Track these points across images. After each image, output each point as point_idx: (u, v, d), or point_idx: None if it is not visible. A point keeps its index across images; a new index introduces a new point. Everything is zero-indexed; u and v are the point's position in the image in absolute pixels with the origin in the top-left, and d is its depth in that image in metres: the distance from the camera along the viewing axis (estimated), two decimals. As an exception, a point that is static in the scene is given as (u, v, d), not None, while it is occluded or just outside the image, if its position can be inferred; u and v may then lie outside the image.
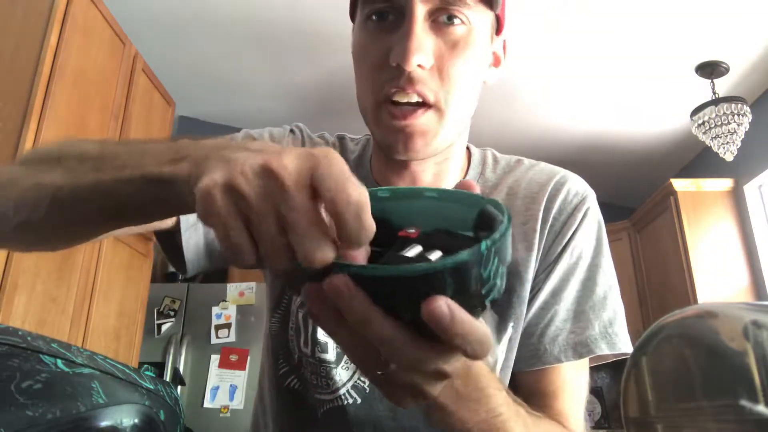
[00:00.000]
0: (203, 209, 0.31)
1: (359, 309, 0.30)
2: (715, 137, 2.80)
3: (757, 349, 0.20)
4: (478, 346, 0.31)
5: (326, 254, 0.30)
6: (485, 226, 0.36)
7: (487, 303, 0.32)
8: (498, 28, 0.64)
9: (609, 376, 3.97)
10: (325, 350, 0.66)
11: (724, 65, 2.82)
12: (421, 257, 0.34)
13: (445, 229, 0.38)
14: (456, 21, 0.57)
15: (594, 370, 4.04)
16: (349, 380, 0.66)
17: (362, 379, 0.66)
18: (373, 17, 0.58)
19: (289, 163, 0.31)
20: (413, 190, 0.40)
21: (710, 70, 2.84)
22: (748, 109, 2.78)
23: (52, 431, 0.26)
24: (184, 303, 3.11)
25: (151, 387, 0.33)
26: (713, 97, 2.85)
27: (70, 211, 0.43)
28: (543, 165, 0.73)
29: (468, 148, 0.74)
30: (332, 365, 0.66)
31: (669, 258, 3.27)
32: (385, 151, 0.62)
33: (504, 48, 0.68)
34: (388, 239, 0.37)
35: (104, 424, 0.28)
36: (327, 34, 2.83)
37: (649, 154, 3.74)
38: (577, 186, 0.70)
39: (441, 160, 0.66)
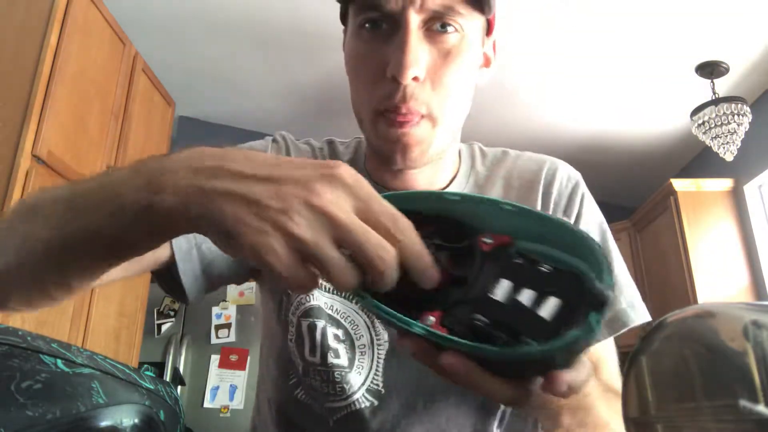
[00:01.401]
0: (262, 261, 0.33)
1: (476, 382, 0.33)
2: (715, 137, 2.80)
3: (757, 349, 0.20)
4: (579, 390, 0.34)
5: (391, 260, 0.34)
6: (561, 246, 0.37)
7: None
8: (488, 30, 0.65)
9: (609, 376, 3.97)
10: (338, 355, 0.65)
11: (724, 65, 2.82)
12: (513, 301, 0.35)
13: (525, 255, 0.38)
14: (449, 29, 0.57)
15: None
16: (362, 384, 0.65)
17: (375, 381, 0.65)
18: (367, 26, 0.58)
19: (329, 195, 0.34)
20: (487, 198, 0.41)
21: (710, 70, 2.84)
22: (748, 109, 2.78)
23: (52, 431, 0.26)
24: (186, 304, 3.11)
25: (151, 387, 0.33)
26: (713, 97, 2.85)
27: (65, 261, 0.43)
28: (529, 154, 0.76)
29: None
30: (346, 370, 0.65)
31: (669, 258, 3.27)
32: (383, 160, 0.63)
33: (494, 48, 0.68)
34: (459, 239, 0.39)
35: (104, 424, 0.28)
36: (327, 34, 2.83)
37: (649, 154, 3.74)
38: (568, 170, 0.74)
39: (436, 162, 0.67)
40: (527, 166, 0.73)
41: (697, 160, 3.72)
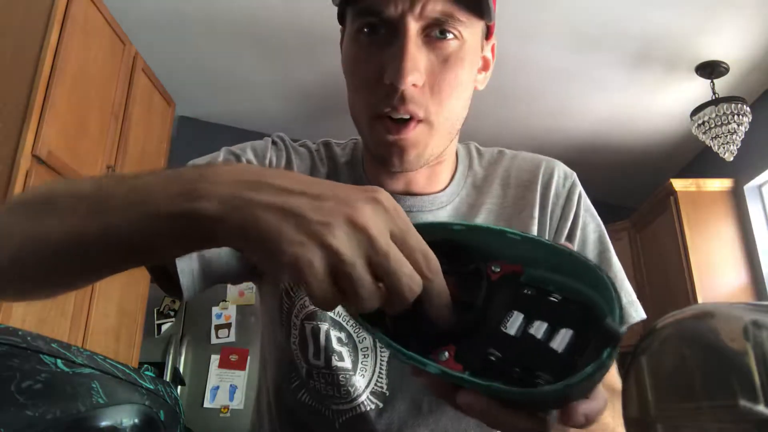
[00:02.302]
0: (299, 273, 0.32)
1: (495, 418, 0.33)
2: (715, 137, 2.80)
3: (757, 349, 0.20)
4: (596, 419, 0.34)
5: (416, 294, 0.34)
6: (569, 274, 0.37)
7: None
8: (488, 34, 0.65)
9: (609, 376, 3.97)
10: (342, 358, 0.65)
11: (724, 65, 2.82)
12: (525, 334, 0.35)
13: (534, 285, 0.38)
14: (449, 36, 0.57)
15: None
16: (367, 387, 0.65)
17: (380, 384, 0.65)
18: (365, 30, 0.58)
19: (371, 216, 0.34)
20: (492, 228, 0.41)
21: (710, 70, 2.83)
22: (748, 109, 2.78)
23: (52, 431, 0.26)
24: (184, 303, 3.11)
25: (151, 387, 0.33)
26: (713, 97, 2.85)
27: (76, 260, 0.41)
28: (524, 153, 0.77)
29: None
30: (350, 373, 0.64)
31: (669, 258, 3.27)
32: (379, 162, 0.64)
33: (493, 51, 0.69)
34: (466, 263, 0.40)
35: (104, 424, 0.28)
36: (327, 34, 2.83)
37: (649, 154, 3.74)
38: (564, 169, 0.75)
39: (434, 164, 0.67)
40: (524, 166, 0.74)
41: (697, 160, 3.72)
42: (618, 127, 3.48)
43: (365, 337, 0.66)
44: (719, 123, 2.76)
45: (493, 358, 0.34)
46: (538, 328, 0.35)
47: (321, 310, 0.65)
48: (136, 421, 0.30)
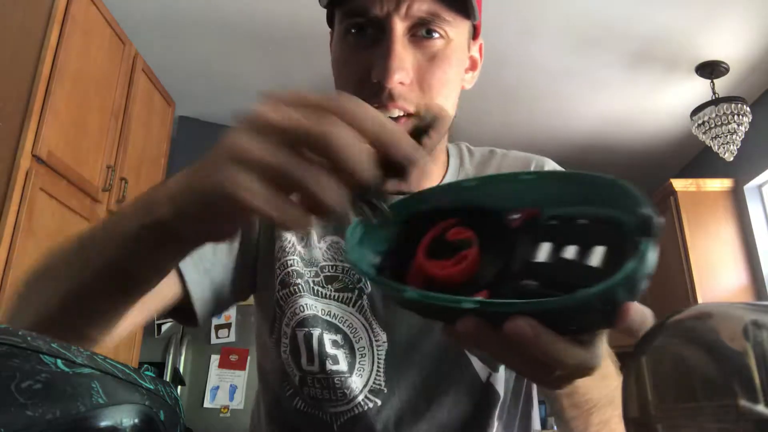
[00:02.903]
0: (238, 202, 0.30)
1: (546, 345, 0.30)
2: (715, 137, 2.81)
3: (757, 349, 0.20)
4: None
5: (361, 147, 0.30)
6: (593, 201, 0.34)
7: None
8: (475, 34, 0.66)
9: (609, 376, 3.97)
10: (336, 361, 0.64)
11: (724, 65, 2.82)
12: (558, 260, 0.33)
13: (557, 215, 0.36)
14: (435, 35, 0.58)
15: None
16: (364, 386, 0.65)
17: (377, 381, 0.65)
18: (353, 30, 0.59)
19: (264, 107, 0.31)
20: (503, 175, 0.39)
21: (710, 70, 2.84)
22: (748, 109, 2.78)
23: (52, 431, 0.26)
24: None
25: (151, 387, 0.33)
26: (713, 97, 2.86)
27: (77, 311, 0.43)
28: (515, 152, 0.76)
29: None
30: (345, 375, 0.64)
31: (669, 258, 3.27)
32: None
33: (480, 51, 0.69)
34: (490, 227, 0.37)
35: (104, 424, 0.28)
36: (327, 34, 2.83)
37: (649, 154, 3.74)
38: (554, 166, 0.75)
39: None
40: (514, 164, 0.74)
41: (697, 160, 3.72)
42: (618, 127, 3.48)
43: (361, 337, 0.65)
44: (719, 123, 2.76)
45: (530, 288, 0.32)
46: (570, 252, 0.33)
47: (316, 317, 0.65)
48: (136, 421, 0.30)
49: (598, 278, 0.29)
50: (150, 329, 2.91)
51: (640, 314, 0.32)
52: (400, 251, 0.39)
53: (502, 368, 0.66)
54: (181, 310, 0.63)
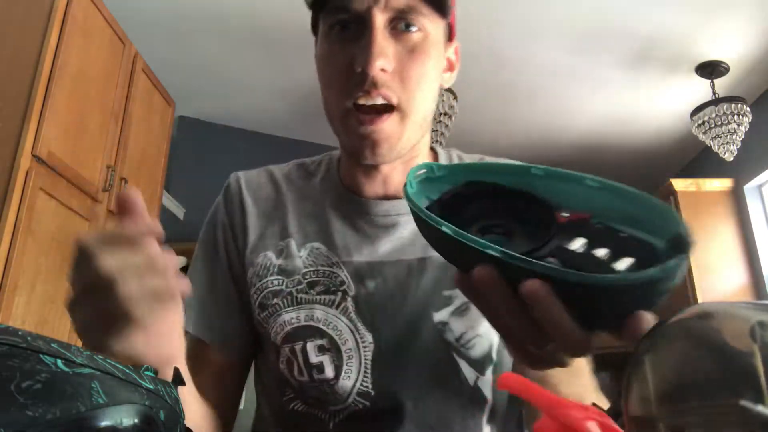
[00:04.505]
0: None
1: (553, 313, 0.31)
2: (715, 137, 2.81)
3: (764, 349, 0.20)
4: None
5: None
6: (643, 225, 0.36)
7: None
8: (450, 36, 0.69)
9: (609, 376, 3.96)
10: (322, 370, 0.65)
11: (724, 65, 2.82)
12: (587, 253, 0.34)
13: (603, 223, 0.37)
14: (413, 29, 0.61)
15: (594, 370, 4.03)
16: (353, 387, 0.65)
17: (365, 384, 0.65)
18: (336, 27, 0.62)
19: None
20: (571, 174, 0.40)
21: (710, 70, 2.84)
22: (748, 109, 2.78)
23: (52, 431, 0.26)
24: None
25: (151, 387, 0.33)
26: (713, 97, 2.86)
27: None
28: (505, 161, 0.77)
29: (433, 150, 0.77)
30: (333, 381, 0.65)
31: (669, 258, 3.27)
32: (353, 157, 0.66)
33: (456, 54, 0.72)
34: (538, 217, 0.39)
35: (104, 424, 0.28)
36: (327, 34, 2.83)
37: (649, 154, 3.74)
38: None
39: (407, 160, 0.69)
40: None
41: (697, 160, 3.72)
42: (618, 127, 3.48)
43: (347, 339, 0.66)
44: (719, 123, 2.76)
45: (551, 264, 0.33)
46: (600, 252, 0.34)
47: (298, 328, 0.68)
48: (136, 421, 0.30)
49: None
50: (150, 329, 2.89)
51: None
52: (447, 205, 0.42)
53: (489, 372, 0.66)
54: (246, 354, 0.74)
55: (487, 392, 0.66)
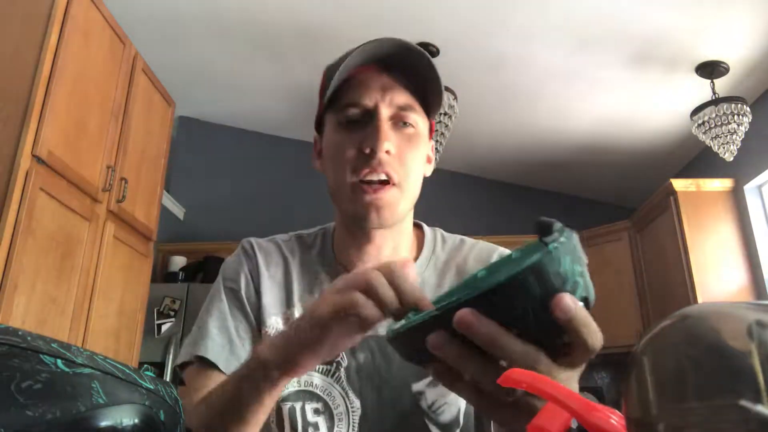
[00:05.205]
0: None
1: (488, 330, 0.36)
2: (715, 137, 2.81)
3: (761, 349, 0.20)
4: (595, 335, 0.37)
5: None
6: (527, 257, 0.42)
7: (580, 300, 0.37)
8: (429, 134, 0.82)
9: (609, 376, 3.97)
10: (317, 428, 0.74)
11: (724, 65, 2.82)
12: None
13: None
14: (408, 126, 0.75)
15: (594, 370, 4.01)
16: None
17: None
18: (344, 122, 0.75)
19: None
20: (485, 269, 0.50)
21: (710, 70, 2.84)
22: (748, 109, 2.78)
23: (52, 431, 0.26)
24: (184, 303, 3.11)
25: (151, 387, 0.33)
26: (713, 97, 2.86)
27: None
28: (482, 243, 0.88)
29: (420, 226, 0.88)
30: None
31: (669, 258, 3.27)
32: (358, 223, 0.76)
33: (432, 150, 0.85)
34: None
35: (104, 424, 0.28)
36: (327, 34, 2.83)
37: (649, 154, 3.75)
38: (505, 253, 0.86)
39: (396, 234, 0.80)
40: (480, 255, 0.85)
41: (697, 160, 3.72)
42: (618, 127, 3.48)
43: (339, 404, 0.75)
44: (719, 123, 2.76)
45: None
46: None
47: (299, 392, 0.79)
48: (136, 421, 0.30)
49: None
50: (150, 329, 2.91)
51: (592, 328, 0.35)
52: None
53: None
54: None
55: None
